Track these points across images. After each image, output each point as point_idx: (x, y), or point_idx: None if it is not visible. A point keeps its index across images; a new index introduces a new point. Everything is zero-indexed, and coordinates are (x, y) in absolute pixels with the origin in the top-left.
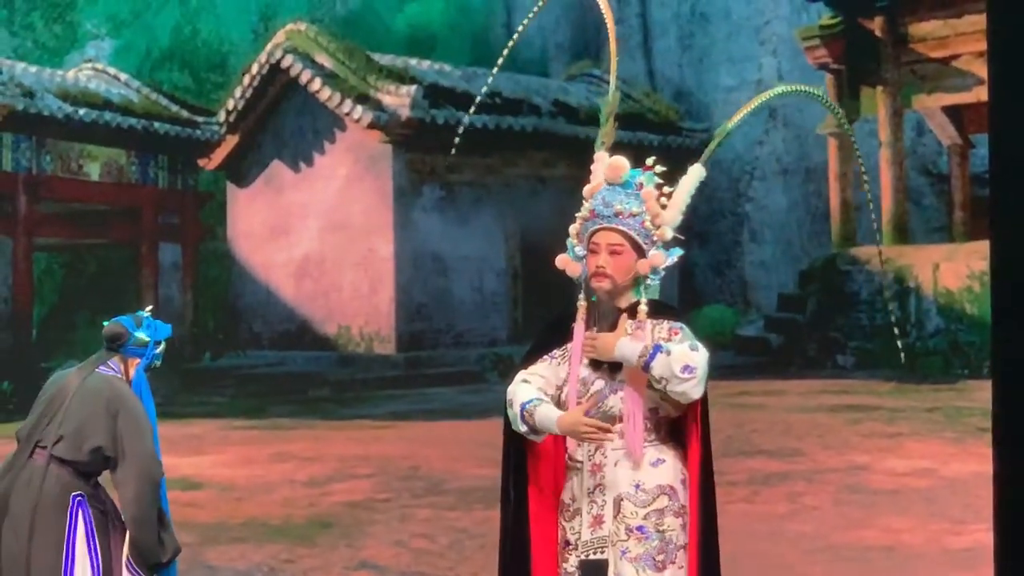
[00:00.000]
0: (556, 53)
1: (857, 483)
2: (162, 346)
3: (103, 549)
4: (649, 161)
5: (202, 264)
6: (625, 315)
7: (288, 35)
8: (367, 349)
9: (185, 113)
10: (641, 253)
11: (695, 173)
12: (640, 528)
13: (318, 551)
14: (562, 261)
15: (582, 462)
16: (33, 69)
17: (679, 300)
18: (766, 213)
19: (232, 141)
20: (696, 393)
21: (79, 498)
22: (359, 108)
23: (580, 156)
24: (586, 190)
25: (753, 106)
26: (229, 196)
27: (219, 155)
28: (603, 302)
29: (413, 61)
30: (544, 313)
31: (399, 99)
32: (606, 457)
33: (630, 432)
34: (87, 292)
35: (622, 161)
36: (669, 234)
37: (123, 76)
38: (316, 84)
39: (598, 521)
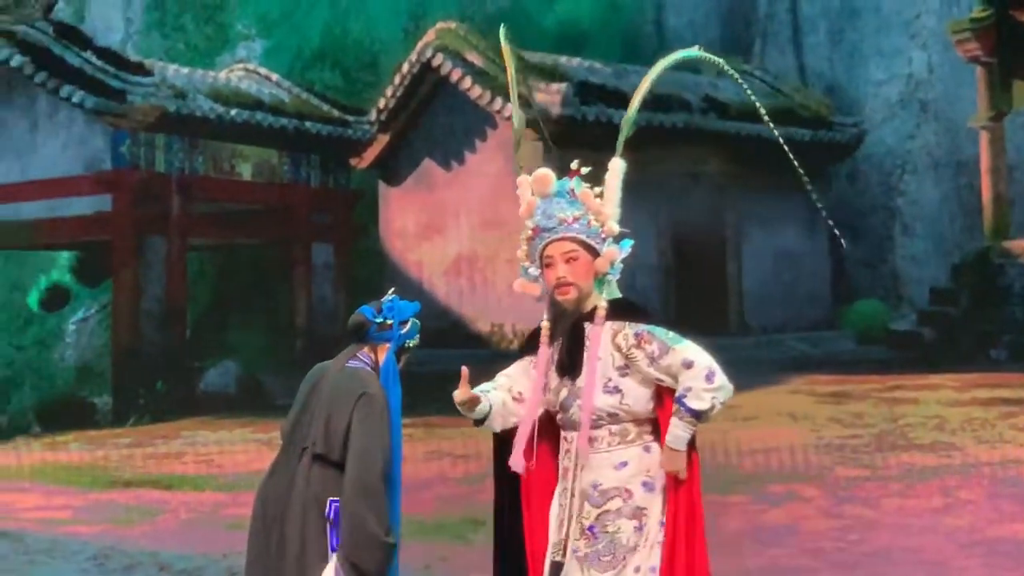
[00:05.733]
0: (706, 49)
1: (1012, 477)
2: (409, 325)
3: None
4: (574, 165)
5: (354, 263)
6: (588, 325)
7: (439, 34)
8: (520, 346)
9: (336, 112)
10: (595, 253)
11: (616, 167)
12: (591, 528)
13: (473, 549)
14: (520, 285)
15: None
16: (185, 70)
17: (831, 295)
18: (918, 207)
19: (383, 140)
20: (729, 384)
21: (336, 504)
22: (510, 105)
23: (731, 152)
24: (522, 211)
25: (644, 88)
26: (381, 195)
27: (371, 154)
28: (569, 312)
29: (563, 58)
30: (697, 309)
31: (550, 96)
32: (573, 461)
33: (580, 437)
34: (240, 292)
35: (546, 172)
36: (616, 227)
37: (274, 76)
38: (467, 82)
39: (561, 523)
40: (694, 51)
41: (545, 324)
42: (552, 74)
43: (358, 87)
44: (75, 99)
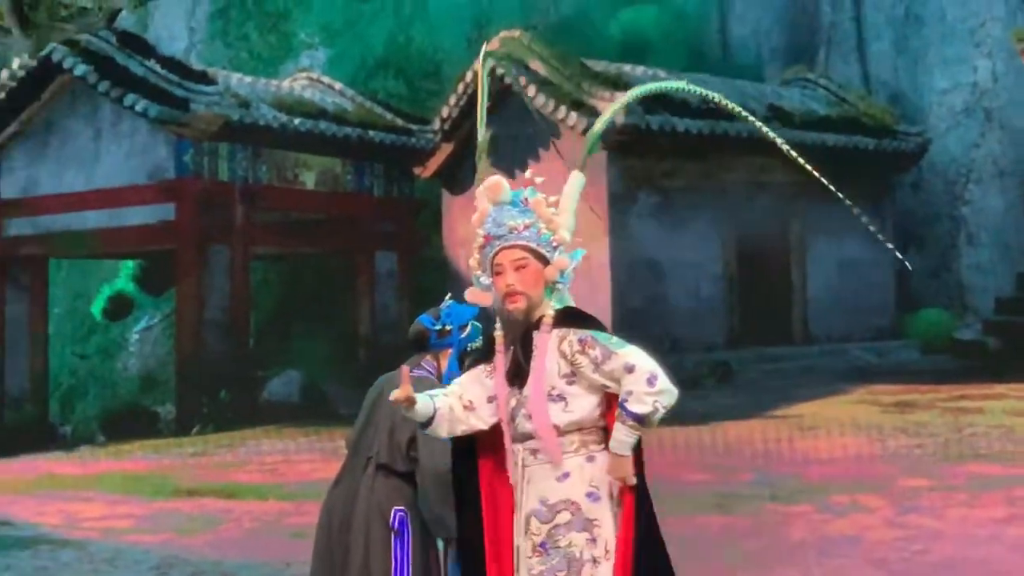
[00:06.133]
0: (771, 58)
1: None
2: (468, 328)
3: (417, 573)
4: (527, 175)
5: (417, 272)
6: (535, 333)
7: (503, 42)
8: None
9: (400, 121)
10: (545, 261)
11: (576, 179)
12: (542, 544)
13: None
14: (472, 294)
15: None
16: (248, 79)
17: (896, 304)
18: (983, 216)
19: (447, 149)
20: (673, 387)
21: (400, 514)
22: (574, 115)
23: (796, 161)
24: (474, 219)
25: (615, 108)
26: (444, 204)
27: (434, 163)
28: (520, 321)
29: (627, 67)
30: (762, 318)
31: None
32: (520, 475)
33: (545, 446)
34: (303, 301)
35: (498, 180)
36: (568, 236)
37: (337, 85)
38: (531, 91)
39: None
40: (677, 83)
41: (499, 333)
42: (616, 83)
43: (421, 96)
44: (139, 108)
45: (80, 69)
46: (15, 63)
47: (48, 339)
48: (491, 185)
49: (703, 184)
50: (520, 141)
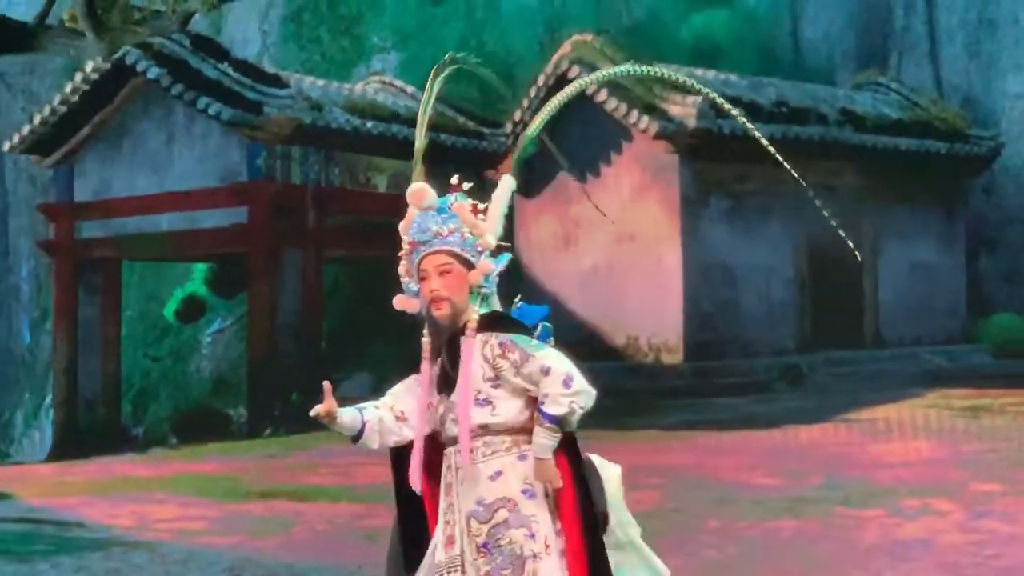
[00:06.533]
0: (842, 61)
1: None
2: (539, 329)
3: None
4: (454, 180)
5: None
6: (462, 338)
7: (574, 46)
8: (655, 359)
9: (472, 125)
10: (470, 266)
11: (506, 184)
12: (485, 545)
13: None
14: (399, 301)
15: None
16: (321, 83)
17: (967, 308)
18: None
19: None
20: (590, 388)
21: None
22: (645, 118)
23: (867, 165)
24: (401, 226)
25: (552, 108)
26: (516, 207)
27: (506, 167)
28: (446, 327)
29: (699, 71)
30: (833, 321)
31: (685, 109)
32: (455, 476)
33: (462, 451)
34: (375, 304)
35: (421, 185)
36: (493, 241)
37: (409, 88)
38: (603, 95)
39: (451, 541)
40: (621, 67)
41: (426, 340)
42: (687, 87)
43: (493, 99)
44: (212, 111)
45: (153, 72)
46: (89, 66)
47: (121, 341)
48: (415, 191)
49: (774, 188)
50: (592, 145)
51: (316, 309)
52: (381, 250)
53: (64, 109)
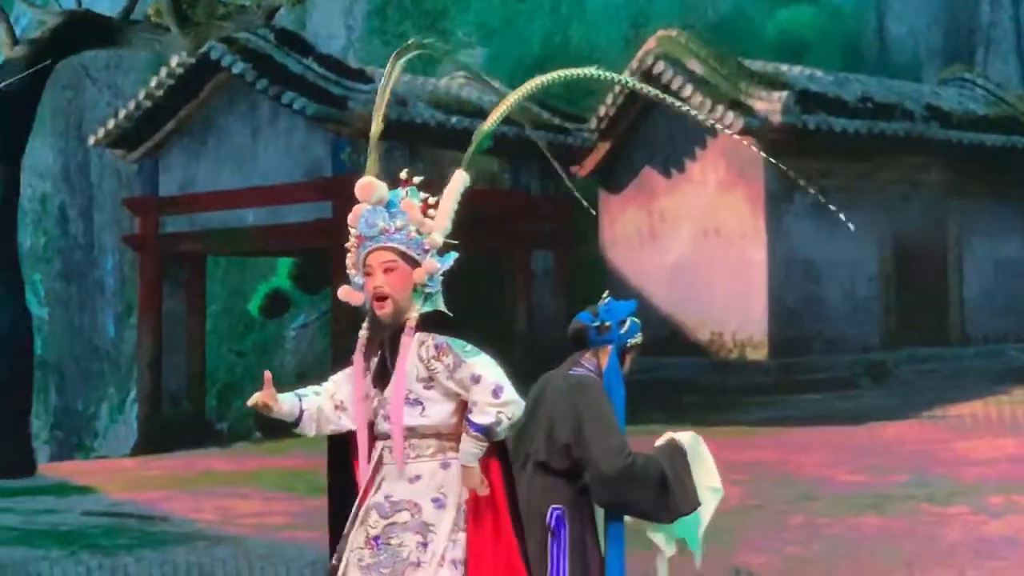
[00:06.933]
0: (928, 57)
1: None
2: (627, 324)
3: (575, 573)
4: (403, 175)
5: (574, 270)
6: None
7: (659, 41)
8: (739, 355)
9: (557, 120)
10: (415, 264)
11: (458, 179)
12: (375, 539)
13: (690, 557)
14: (344, 292)
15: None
16: (406, 78)
17: None
18: None
19: (604, 147)
20: (519, 399)
21: (557, 512)
22: (731, 114)
23: (953, 161)
24: (349, 218)
25: (512, 102)
26: (601, 202)
27: (591, 161)
28: (388, 324)
29: (784, 67)
30: (917, 318)
31: (771, 104)
32: (378, 471)
33: (395, 448)
34: (460, 298)
35: (370, 180)
36: (440, 240)
37: (494, 83)
38: (687, 90)
39: (349, 528)
40: (590, 70)
41: (363, 333)
42: (773, 82)
43: (578, 95)
44: (296, 106)
45: (238, 67)
46: (174, 61)
47: (205, 336)
48: (363, 186)
49: (859, 183)
50: (677, 140)
51: None
52: (466, 245)
53: (149, 104)
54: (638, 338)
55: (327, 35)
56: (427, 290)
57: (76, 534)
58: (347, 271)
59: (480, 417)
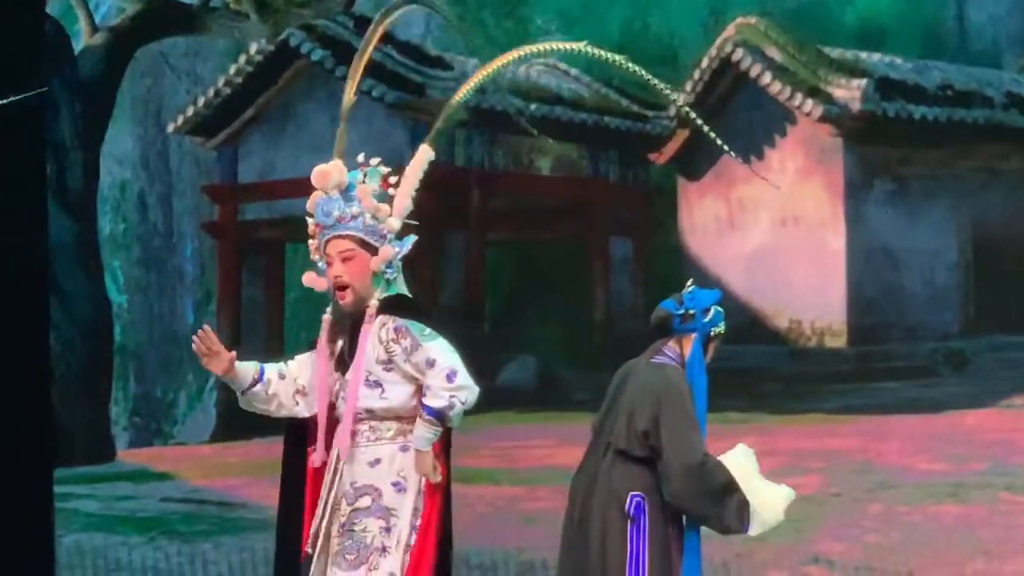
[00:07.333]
0: (1008, 44)
1: None
2: (711, 313)
3: (654, 561)
4: (360, 158)
5: (652, 258)
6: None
7: (738, 29)
8: (818, 343)
9: (635, 107)
10: (373, 251)
11: (422, 155)
12: (342, 525)
13: (770, 545)
14: (308, 278)
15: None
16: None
17: None
18: None
19: (682, 135)
20: (473, 385)
21: (637, 499)
22: (810, 102)
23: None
24: (308, 206)
25: (479, 79)
26: (680, 190)
27: (670, 149)
28: (350, 312)
29: (863, 54)
30: (998, 306)
31: (850, 92)
32: (338, 457)
33: (343, 432)
34: (539, 287)
35: (326, 168)
36: (397, 224)
37: (573, 71)
38: (766, 78)
39: (323, 515)
40: (578, 45)
41: (326, 318)
42: (852, 70)
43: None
44: (375, 93)
45: (317, 54)
46: (252, 48)
47: (284, 323)
48: (319, 174)
49: (939, 171)
50: (756, 128)
51: (479, 291)
52: (544, 232)
53: (228, 91)
54: (722, 327)
55: (406, 23)
56: (387, 276)
57: (155, 520)
58: (312, 256)
59: (433, 401)
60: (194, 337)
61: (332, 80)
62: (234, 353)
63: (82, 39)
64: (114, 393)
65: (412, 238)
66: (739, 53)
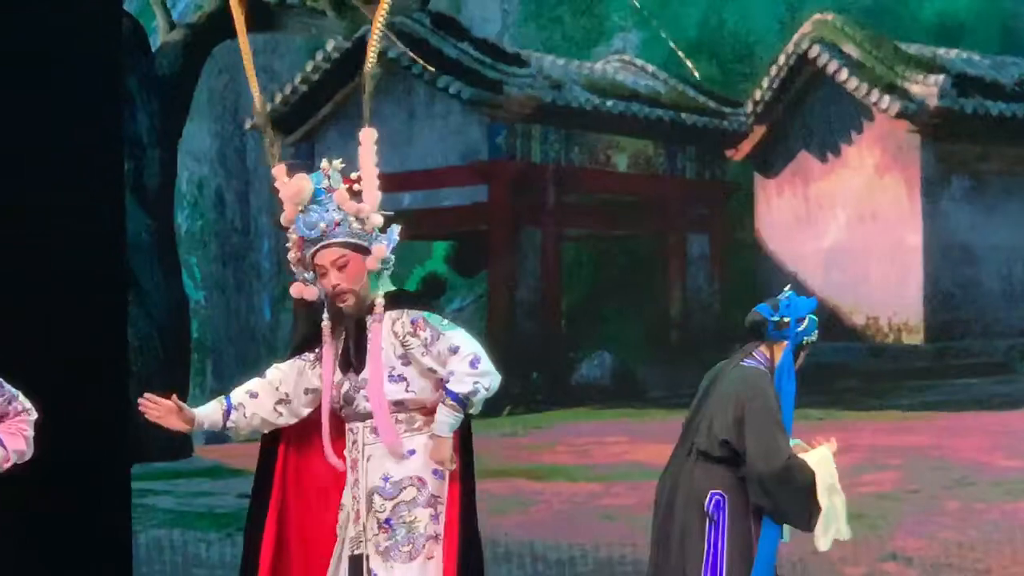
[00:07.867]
0: None
1: None
2: (806, 322)
3: (733, 560)
4: (324, 164)
5: (729, 255)
6: (369, 318)
7: (815, 25)
8: (895, 340)
9: (712, 104)
10: (366, 252)
11: (367, 137)
12: (387, 521)
13: (846, 542)
14: (296, 289)
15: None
16: (561, 61)
17: None
18: None
19: (759, 131)
20: (496, 372)
21: (716, 497)
22: (887, 98)
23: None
24: (283, 219)
25: (377, 28)
26: (757, 186)
27: (746, 145)
28: (352, 313)
29: (941, 50)
30: None
31: (927, 88)
32: (360, 452)
33: (381, 427)
34: (615, 283)
35: (299, 184)
36: (379, 219)
37: (650, 67)
38: (843, 74)
39: (357, 516)
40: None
41: (325, 323)
42: (929, 66)
43: (734, 79)
44: (452, 90)
45: (394, 51)
46: (330, 45)
47: None
48: (293, 192)
49: (1017, 168)
50: (832, 124)
51: (555, 287)
52: (620, 229)
53: (305, 88)
54: (814, 336)
55: (482, 19)
56: (383, 272)
57: (231, 516)
58: (294, 267)
59: (457, 386)
60: (140, 410)
61: (408, 77)
62: (174, 397)
63: (159, 36)
64: (191, 389)
65: (397, 227)
66: (816, 49)
